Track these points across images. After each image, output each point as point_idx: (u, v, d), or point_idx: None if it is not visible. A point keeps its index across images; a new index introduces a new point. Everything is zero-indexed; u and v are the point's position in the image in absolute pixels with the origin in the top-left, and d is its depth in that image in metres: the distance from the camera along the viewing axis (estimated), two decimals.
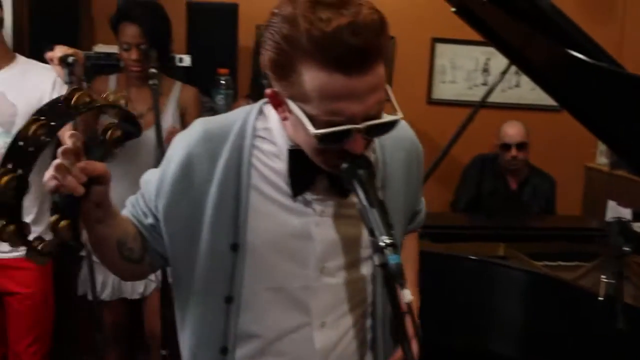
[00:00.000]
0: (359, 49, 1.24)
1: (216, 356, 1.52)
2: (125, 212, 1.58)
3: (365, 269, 1.59)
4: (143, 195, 1.57)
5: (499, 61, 4.30)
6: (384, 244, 1.27)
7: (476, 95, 4.51)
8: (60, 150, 1.29)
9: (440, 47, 4.52)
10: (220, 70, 3.69)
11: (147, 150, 3.05)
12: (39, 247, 1.36)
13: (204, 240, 1.48)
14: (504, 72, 3.33)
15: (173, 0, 3.98)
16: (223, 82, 3.70)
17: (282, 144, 1.47)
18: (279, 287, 1.51)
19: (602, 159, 4.71)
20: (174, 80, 3.28)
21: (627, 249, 2.49)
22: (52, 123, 1.35)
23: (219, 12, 3.87)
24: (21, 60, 2.94)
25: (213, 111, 3.68)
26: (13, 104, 2.83)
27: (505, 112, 4.56)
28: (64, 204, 1.34)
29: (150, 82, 2.78)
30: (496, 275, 2.72)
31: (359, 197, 1.35)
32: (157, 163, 2.81)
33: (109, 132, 1.57)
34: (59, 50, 2.59)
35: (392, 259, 1.26)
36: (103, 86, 3.13)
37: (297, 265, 1.50)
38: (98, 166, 1.35)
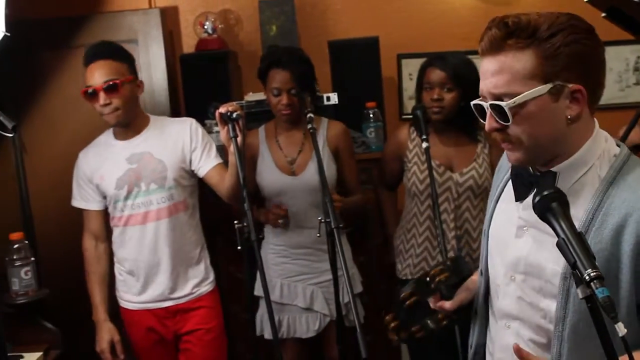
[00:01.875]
0: None
1: None
2: None
3: None
4: None
5: None
6: (589, 278, 1.25)
7: (630, 96, 4.34)
8: None
9: None
10: (368, 104, 3.76)
11: (302, 194, 3.11)
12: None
13: None
14: None
15: (315, 41, 4.12)
16: (372, 115, 3.76)
17: None
18: None
19: None
20: (320, 117, 3.29)
21: None
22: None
23: (361, 47, 3.93)
24: (155, 119, 3.12)
25: (365, 145, 3.74)
26: (160, 160, 3.00)
27: None
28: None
29: (309, 126, 2.83)
30: None
31: (555, 230, 1.34)
32: (318, 205, 2.90)
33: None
34: (223, 108, 2.71)
35: (599, 292, 1.24)
36: (254, 139, 3.22)
37: None
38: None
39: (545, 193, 1.37)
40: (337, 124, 3.26)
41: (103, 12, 4.19)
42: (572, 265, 1.29)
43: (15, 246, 2.98)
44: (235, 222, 2.91)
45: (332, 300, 2.95)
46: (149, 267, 3.02)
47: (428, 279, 1.90)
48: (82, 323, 3.20)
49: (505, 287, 1.72)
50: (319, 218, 2.67)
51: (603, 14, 2.91)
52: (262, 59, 3.24)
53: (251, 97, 3.82)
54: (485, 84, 1.52)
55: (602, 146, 1.55)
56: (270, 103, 3.15)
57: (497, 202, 1.79)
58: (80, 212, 3.13)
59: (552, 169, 1.56)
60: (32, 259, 3.02)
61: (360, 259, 3.46)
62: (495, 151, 3.07)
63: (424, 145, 2.84)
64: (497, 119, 1.51)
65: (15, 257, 2.96)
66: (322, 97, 3.70)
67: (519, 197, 1.64)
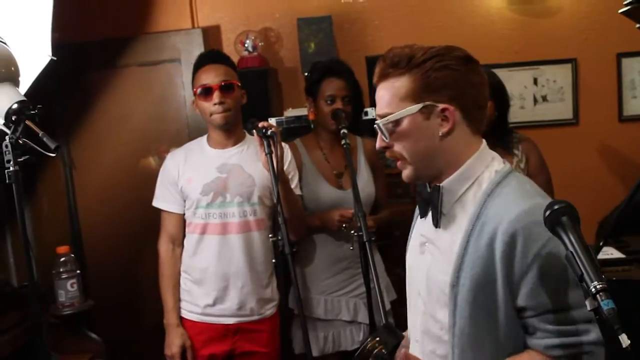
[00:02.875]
0: None
1: None
2: None
3: None
4: None
5: None
6: (594, 290, 1.28)
7: None
8: None
9: (627, 62, 4.34)
10: None
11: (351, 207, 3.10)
12: None
13: None
14: None
15: (354, 56, 4.18)
16: None
17: None
18: None
19: None
20: (354, 136, 3.33)
21: None
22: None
23: None
24: (250, 137, 3.10)
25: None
26: (250, 175, 3.02)
27: None
28: None
29: (343, 142, 2.89)
30: None
31: (564, 243, 1.37)
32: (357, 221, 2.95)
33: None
34: (260, 123, 2.78)
35: (604, 304, 1.27)
36: (294, 151, 3.23)
37: None
38: None
39: (556, 207, 1.40)
40: (371, 142, 3.29)
41: (147, 33, 4.33)
42: (580, 277, 1.32)
43: (62, 259, 3.07)
44: (270, 235, 2.98)
45: (376, 310, 2.97)
46: (221, 279, 3.01)
47: (366, 352, 1.89)
48: (127, 334, 3.25)
49: (415, 304, 1.83)
50: (352, 232, 2.72)
51: (637, 25, 2.92)
52: (312, 70, 3.27)
53: (291, 112, 3.89)
54: (376, 108, 1.70)
55: (486, 163, 1.67)
56: (321, 113, 3.17)
57: (415, 221, 1.91)
58: (129, 225, 3.13)
59: (438, 184, 1.68)
60: (78, 271, 3.10)
61: (397, 270, 3.50)
62: (532, 165, 3.06)
63: None
64: (382, 137, 1.68)
65: (61, 269, 3.05)
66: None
67: (422, 213, 1.78)
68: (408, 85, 1.62)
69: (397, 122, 1.63)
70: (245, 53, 4.19)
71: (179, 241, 3.11)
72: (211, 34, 4.35)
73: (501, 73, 4.27)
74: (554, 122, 4.40)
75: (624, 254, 3.12)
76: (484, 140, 1.70)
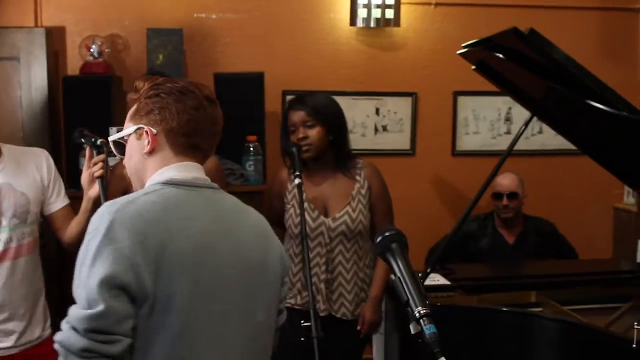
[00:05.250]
0: None
1: None
2: None
3: None
4: None
5: (521, 110, 4.38)
6: (419, 315, 1.35)
7: (500, 145, 4.60)
8: None
9: (463, 100, 4.61)
10: (249, 137, 3.82)
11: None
12: None
13: None
14: (527, 124, 3.40)
15: (202, 72, 4.17)
16: (252, 148, 3.82)
17: None
18: None
19: (630, 199, 4.73)
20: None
21: None
22: None
23: (246, 81, 4.00)
24: (8, 148, 2.77)
25: (244, 178, 3.79)
26: (23, 194, 2.72)
27: (530, 159, 4.64)
28: None
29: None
30: (531, 326, 2.75)
31: (393, 269, 1.44)
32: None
33: None
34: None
35: (427, 328, 1.33)
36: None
37: None
38: None
39: (387, 234, 1.46)
40: (211, 159, 3.22)
41: None
42: (405, 303, 1.38)
43: None
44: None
45: None
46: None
47: None
48: None
49: None
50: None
51: (473, 67, 3.10)
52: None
53: None
54: None
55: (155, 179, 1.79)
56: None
57: None
58: None
59: None
60: None
61: None
62: (375, 191, 3.13)
63: (297, 181, 2.86)
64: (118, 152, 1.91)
65: None
66: None
67: None
68: (132, 109, 1.81)
69: (126, 140, 1.82)
70: (90, 58, 4.05)
71: None
72: (55, 35, 4.17)
73: (346, 101, 4.43)
74: (393, 152, 4.58)
75: (449, 281, 3.28)
76: (189, 164, 1.78)
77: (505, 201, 4.10)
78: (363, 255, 3.09)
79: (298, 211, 2.98)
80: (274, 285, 1.77)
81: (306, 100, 3.07)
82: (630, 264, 4.05)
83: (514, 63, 2.68)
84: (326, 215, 3.07)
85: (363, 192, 3.07)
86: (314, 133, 3.00)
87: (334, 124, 3.05)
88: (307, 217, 2.97)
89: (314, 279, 3.01)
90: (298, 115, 3.03)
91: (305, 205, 2.99)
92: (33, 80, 3.99)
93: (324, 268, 3.04)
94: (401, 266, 1.42)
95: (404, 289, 1.39)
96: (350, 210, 3.05)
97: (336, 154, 3.04)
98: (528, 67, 2.63)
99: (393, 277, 1.43)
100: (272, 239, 1.84)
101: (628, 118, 2.42)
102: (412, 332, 1.36)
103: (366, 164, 3.15)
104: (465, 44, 2.90)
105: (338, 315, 3.04)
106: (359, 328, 3.08)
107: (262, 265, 1.74)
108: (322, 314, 2.98)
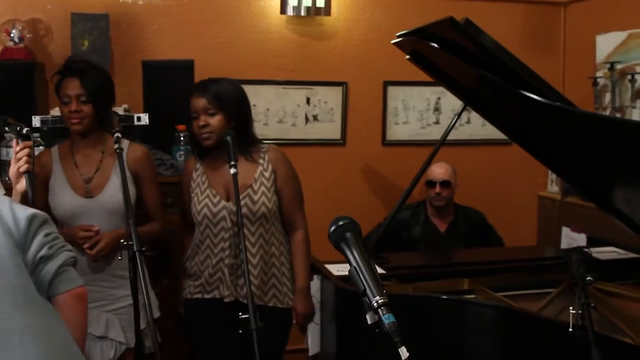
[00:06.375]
0: None
1: None
2: None
3: None
4: None
5: (449, 99, 4.47)
6: (376, 304, 1.33)
7: (429, 134, 4.65)
8: None
9: (392, 90, 4.63)
10: (178, 127, 3.72)
11: (98, 218, 2.95)
12: None
13: None
14: (460, 113, 3.44)
15: (129, 59, 4.05)
16: (182, 137, 3.74)
17: None
18: None
19: (553, 188, 4.86)
20: (122, 139, 3.06)
21: (590, 278, 2.58)
22: None
23: (175, 69, 3.89)
24: None
25: (174, 168, 3.70)
26: None
27: (458, 148, 4.70)
28: None
29: (116, 146, 2.76)
30: (468, 312, 2.79)
31: (348, 259, 1.41)
32: (124, 225, 2.82)
33: None
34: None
35: (385, 317, 1.31)
36: (47, 158, 3.03)
37: None
38: None
39: (341, 223, 1.44)
40: (138, 148, 3.12)
41: None
42: (362, 292, 1.36)
43: None
44: None
45: (129, 328, 2.87)
46: None
47: None
48: None
49: None
50: (122, 240, 2.60)
51: (407, 57, 3.10)
52: (58, 71, 3.04)
53: (58, 111, 3.66)
54: None
55: None
56: (62, 114, 2.99)
57: None
58: None
59: None
60: None
61: (164, 282, 3.41)
62: (280, 175, 3.07)
63: (232, 171, 2.81)
64: None
65: None
66: (132, 116, 3.64)
67: None
68: None
69: None
70: (10, 43, 3.87)
71: None
72: None
73: (276, 90, 4.41)
74: (323, 142, 4.57)
75: (384, 270, 3.29)
76: None
77: (437, 189, 4.15)
78: (269, 238, 3.05)
79: (200, 198, 3.03)
80: None
81: (209, 87, 3.01)
82: (554, 250, 4.17)
83: (448, 53, 2.70)
84: (227, 200, 3.02)
85: (266, 174, 3.02)
86: (215, 121, 2.96)
87: (236, 111, 3.01)
88: (208, 201, 2.99)
89: (219, 264, 3.01)
90: (200, 102, 2.99)
91: (207, 191, 3.01)
92: None
93: (227, 252, 2.99)
94: (356, 255, 1.40)
95: (360, 278, 1.37)
96: (252, 193, 3.00)
97: (238, 140, 2.97)
98: (462, 56, 2.65)
99: (349, 267, 1.41)
100: None
101: (559, 107, 2.46)
102: (369, 322, 1.34)
103: (270, 148, 3.12)
104: (400, 33, 2.89)
105: (245, 301, 2.96)
106: (294, 322, 3.06)
107: None
108: (226, 300, 2.98)
